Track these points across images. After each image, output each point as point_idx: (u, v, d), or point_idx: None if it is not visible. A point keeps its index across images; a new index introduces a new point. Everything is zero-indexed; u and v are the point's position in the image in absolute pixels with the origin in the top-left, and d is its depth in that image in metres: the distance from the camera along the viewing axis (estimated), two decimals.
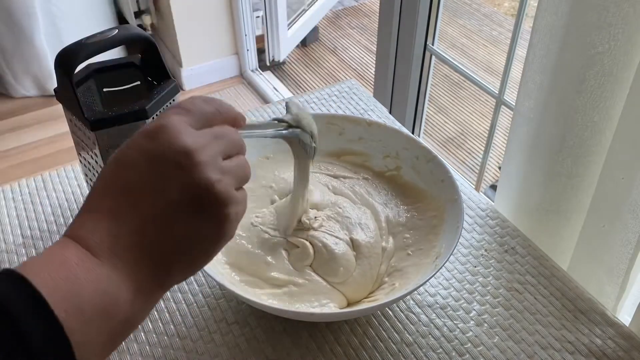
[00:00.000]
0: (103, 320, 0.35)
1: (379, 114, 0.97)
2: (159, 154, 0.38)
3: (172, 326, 0.67)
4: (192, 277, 0.70)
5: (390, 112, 0.99)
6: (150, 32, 2.59)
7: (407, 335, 0.66)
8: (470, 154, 2.22)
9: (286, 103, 0.60)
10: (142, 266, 0.38)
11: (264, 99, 2.53)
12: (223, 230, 0.40)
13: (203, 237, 0.40)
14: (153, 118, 0.68)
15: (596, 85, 0.68)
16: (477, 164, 2.14)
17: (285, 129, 0.57)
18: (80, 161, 0.76)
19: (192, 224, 0.39)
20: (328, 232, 0.67)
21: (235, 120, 0.45)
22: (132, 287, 0.37)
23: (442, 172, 0.72)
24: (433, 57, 1.44)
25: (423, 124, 1.59)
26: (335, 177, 0.78)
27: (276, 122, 0.56)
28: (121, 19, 2.62)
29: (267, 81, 2.61)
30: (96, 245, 0.37)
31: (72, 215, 0.80)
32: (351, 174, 0.79)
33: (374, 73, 1.64)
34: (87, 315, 0.34)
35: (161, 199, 0.38)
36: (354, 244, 0.67)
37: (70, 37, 0.74)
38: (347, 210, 0.70)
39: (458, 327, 0.67)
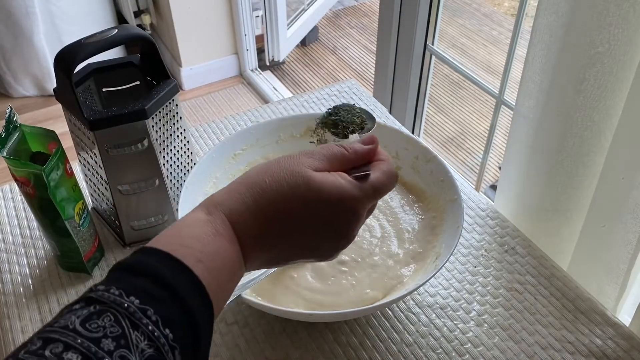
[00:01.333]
0: (230, 290, 0.42)
1: (379, 114, 0.97)
2: (333, 224, 0.45)
3: None
4: None
5: (390, 112, 0.99)
6: (149, 31, 2.59)
7: (407, 335, 0.66)
8: (470, 153, 2.22)
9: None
10: (263, 264, 0.46)
11: (264, 99, 2.53)
12: (337, 249, 0.48)
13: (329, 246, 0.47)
14: (154, 117, 0.68)
15: (596, 85, 0.68)
16: (477, 164, 2.14)
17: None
18: (79, 161, 0.76)
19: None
20: None
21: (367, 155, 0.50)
22: (246, 268, 0.44)
23: (442, 172, 0.72)
24: (433, 57, 1.44)
25: (423, 123, 1.58)
26: None
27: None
28: (121, 18, 2.62)
29: (267, 81, 2.61)
30: (244, 241, 0.42)
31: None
32: None
33: (374, 73, 1.64)
34: (225, 292, 0.41)
35: (321, 225, 0.45)
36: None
37: (70, 37, 0.74)
38: None
39: (458, 327, 0.67)
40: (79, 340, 0.30)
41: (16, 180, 0.64)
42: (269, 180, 0.43)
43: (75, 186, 0.68)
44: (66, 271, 0.73)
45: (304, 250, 0.46)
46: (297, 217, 0.43)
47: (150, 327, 0.33)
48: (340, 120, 0.59)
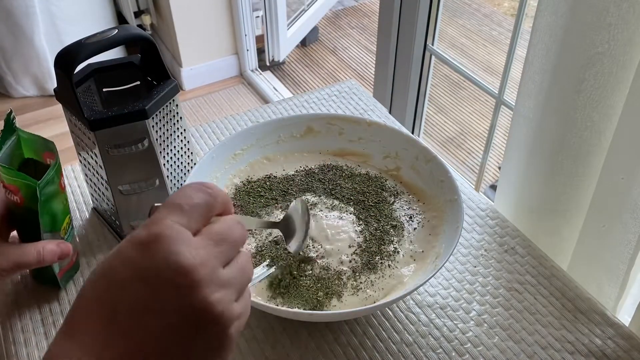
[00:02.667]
0: None
1: (379, 114, 0.97)
2: (153, 272, 0.34)
3: None
4: None
5: (390, 112, 0.99)
6: (150, 32, 2.59)
7: (407, 335, 0.66)
8: (470, 154, 2.22)
9: (292, 203, 0.63)
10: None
11: (264, 99, 2.53)
12: (224, 349, 0.37)
13: (202, 357, 0.36)
14: (154, 117, 0.68)
15: (596, 85, 0.68)
16: (477, 164, 2.14)
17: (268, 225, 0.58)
18: (80, 161, 0.76)
19: (190, 346, 0.35)
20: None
21: (228, 206, 0.41)
22: None
23: (441, 172, 0.73)
24: (433, 57, 1.44)
25: (423, 124, 1.59)
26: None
27: (264, 220, 0.59)
28: (121, 18, 2.62)
29: (267, 81, 2.61)
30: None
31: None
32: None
33: (374, 73, 1.64)
34: None
35: (156, 323, 0.34)
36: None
37: (70, 37, 0.74)
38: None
39: (458, 327, 0.67)
40: None
41: (4, 186, 0.61)
42: None
43: (66, 200, 0.66)
44: (35, 281, 0.71)
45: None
46: (104, 299, 0.35)
47: None
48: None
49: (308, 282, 0.65)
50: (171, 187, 0.74)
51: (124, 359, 0.34)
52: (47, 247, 0.62)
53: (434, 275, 0.61)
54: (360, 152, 0.81)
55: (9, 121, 0.63)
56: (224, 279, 0.36)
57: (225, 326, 0.36)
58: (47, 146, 0.64)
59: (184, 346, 0.35)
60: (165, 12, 2.43)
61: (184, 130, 0.75)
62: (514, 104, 0.81)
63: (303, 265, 0.66)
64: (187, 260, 0.34)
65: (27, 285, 0.72)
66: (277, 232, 0.69)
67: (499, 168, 1.89)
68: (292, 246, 0.63)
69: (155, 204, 0.39)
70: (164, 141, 0.71)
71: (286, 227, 0.63)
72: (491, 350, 0.64)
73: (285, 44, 2.66)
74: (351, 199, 0.75)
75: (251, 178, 0.77)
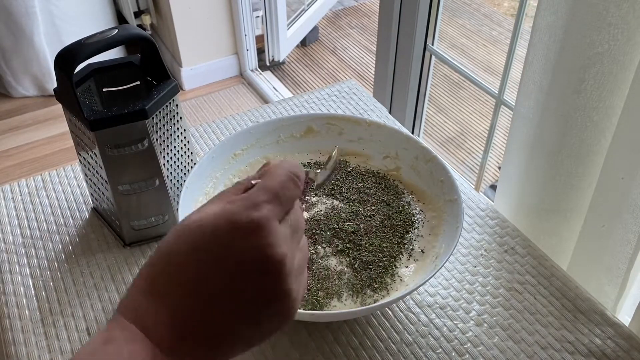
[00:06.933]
0: None
1: (379, 114, 0.97)
2: (248, 258, 0.35)
3: None
4: None
5: (390, 112, 0.99)
6: (149, 32, 2.59)
7: (406, 335, 0.66)
8: (470, 154, 2.22)
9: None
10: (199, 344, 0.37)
11: (264, 99, 2.53)
12: (286, 324, 0.39)
13: (267, 331, 0.38)
14: (154, 117, 0.68)
15: (596, 85, 0.68)
16: (477, 164, 2.14)
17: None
18: (80, 161, 0.76)
19: (260, 321, 0.37)
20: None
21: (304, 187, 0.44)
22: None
23: (441, 172, 0.73)
24: (433, 57, 1.44)
25: (423, 124, 1.59)
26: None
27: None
28: (121, 18, 2.62)
29: (267, 81, 2.61)
30: (162, 340, 0.36)
31: (71, 215, 0.80)
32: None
33: (374, 73, 1.64)
34: None
35: (236, 300, 0.36)
36: None
37: (70, 37, 0.74)
38: None
39: (458, 327, 0.67)
40: None
41: None
42: (161, 249, 0.38)
43: None
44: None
45: (227, 317, 0.37)
46: (189, 269, 0.36)
47: None
48: None
49: (308, 282, 0.65)
50: (171, 187, 0.74)
51: (197, 329, 0.36)
52: None
53: (434, 275, 0.61)
54: (360, 152, 0.81)
55: None
56: (298, 266, 0.39)
57: (293, 308, 0.38)
58: None
59: (255, 320, 0.37)
60: (165, 12, 2.43)
61: (184, 130, 0.75)
62: (514, 104, 0.81)
63: None
64: (283, 253, 0.36)
65: (27, 286, 0.72)
66: None
67: (499, 168, 1.89)
68: (320, 177, 0.60)
69: (271, 161, 0.42)
70: (164, 141, 0.71)
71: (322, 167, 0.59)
72: (491, 350, 0.64)
73: (285, 44, 2.66)
74: (351, 199, 0.75)
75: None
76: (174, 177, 0.74)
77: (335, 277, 0.65)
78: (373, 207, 0.73)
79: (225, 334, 0.37)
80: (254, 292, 0.36)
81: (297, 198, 0.41)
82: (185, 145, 0.76)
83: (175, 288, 0.36)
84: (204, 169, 0.73)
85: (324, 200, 0.74)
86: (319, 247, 0.68)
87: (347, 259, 0.67)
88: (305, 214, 0.72)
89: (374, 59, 1.60)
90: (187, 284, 0.36)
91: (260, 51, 2.68)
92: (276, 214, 0.37)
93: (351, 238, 0.69)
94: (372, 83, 1.67)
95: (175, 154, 0.74)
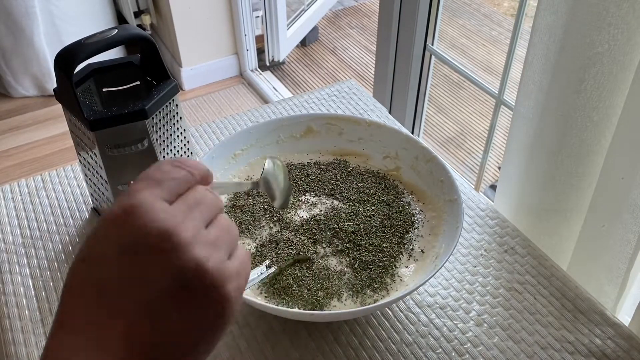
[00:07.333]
0: None
1: (379, 114, 0.97)
2: (132, 242, 0.33)
3: None
4: None
5: (390, 112, 0.99)
6: (149, 32, 2.59)
7: (406, 335, 0.66)
8: (470, 154, 2.22)
9: (266, 163, 0.57)
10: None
11: (264, 99, 2.53)
12: (225, 313, 0.34)
13: (204, 326, 0.34)
14: (154, 117, 0.68)
15: (595, 85, 0.68)
16: (477, 164, 2.14)
17: (251, 186, 0.55)
18: (80, 161, 0.76)
19: (188, 315, 0.33)
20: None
21: (206, 178, 0.41)
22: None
23: (441, 172, 0.73)
24: (433, 57, 1.44)
25: (423, 124, 1.59)
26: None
27: (244, 181, 0.54)
28: (121, 18, 2.62)
29: (267, 81, 2.61)
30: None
31: (71, 215, 0.81)
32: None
33: (373, 73, 1.64)
34: None
35: (145, 294, 0.32)
36: None
37: (70, 37, 0.74)
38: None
39: (458, 327, 0.67)
40: None
41: None
42: None
43: None
44: None
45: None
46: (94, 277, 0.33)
47: None
48: None
49: (308, 282, 0.65)
50: None
51: (123, 337, 0.32)
52: None
53: (434, 275, 0.61)
54: (360, 152, 0.81)
55: None
56: (209, 238, 0.35)
57: (220, 285, 0.34)
58: None
59: (180, 314, 0.33)
60: (165, 12, 2.43)
61: (184, 130, 0.75)
62: (514, 104, 0.81)
63: (303, 265, 0.66)
64: (168, 223, 0.33)
65: (27, 286, 0.72)
66: (276, 232, 0.70)
67: (499, 168, 1.89)
68: (277, 202, 0.58)
69: (131, 182, 0.39)
70: (163, 141, 0.71)
71: (267, 185, 0.56)
72: (491, 350, 0.64)
73: (285, 44, 2.66)
74: (351, 199, 0.75)
75: (251, 178, 0.77)
76: None
77: (335, 277, 0.65)
78: (373, 207, 0.73)
79: (162, 344, 0.33)
80: (161, 277, 0.32)
81: (190, 180, 0.38)
82: (185, 145, 0.76)
83: (81, 309, 0.33)
84: None
85: (324, 201, 0.74)
86: (319, 247, 0.68)
87: (347, 259, 0.67)
88: (306, 214, 0.72)
89: (374, 59, 1.60)
90: (90, 298, 0.33)
91: (260, 51, 2.68)
92: (157, 195, 0.35)
93: (351, 238, 0.69)
94: (372, 83, 1.67)
95: (175, 154, 0.74)
